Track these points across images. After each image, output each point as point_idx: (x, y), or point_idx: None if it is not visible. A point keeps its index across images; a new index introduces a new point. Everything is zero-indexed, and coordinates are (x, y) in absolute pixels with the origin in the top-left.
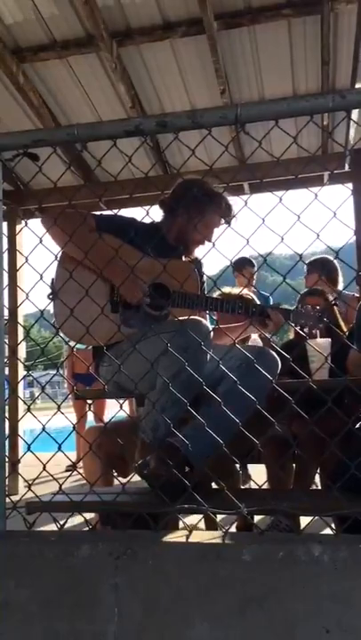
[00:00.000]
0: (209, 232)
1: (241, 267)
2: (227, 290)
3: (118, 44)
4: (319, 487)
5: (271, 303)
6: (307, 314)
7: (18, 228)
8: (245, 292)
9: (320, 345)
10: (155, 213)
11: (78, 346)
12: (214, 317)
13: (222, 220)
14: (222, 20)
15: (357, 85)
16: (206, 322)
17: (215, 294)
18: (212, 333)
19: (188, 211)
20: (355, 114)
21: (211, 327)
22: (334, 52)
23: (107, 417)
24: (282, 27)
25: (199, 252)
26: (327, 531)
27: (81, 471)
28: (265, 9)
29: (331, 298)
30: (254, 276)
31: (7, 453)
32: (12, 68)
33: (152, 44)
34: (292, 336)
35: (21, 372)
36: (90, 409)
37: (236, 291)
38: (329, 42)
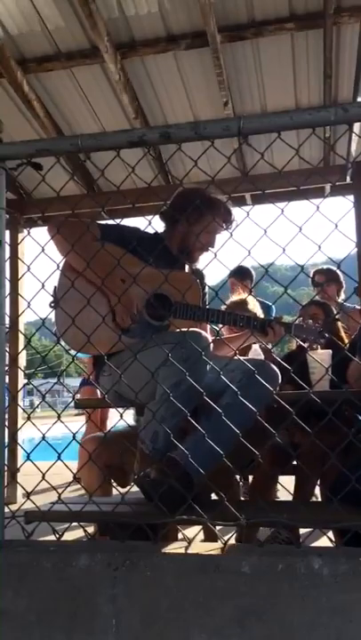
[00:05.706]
0: (210, 237)
1: (240, 277)
2: (237, 298)
3: (122, 55)
4: (319, 499)
5: (274, 312)
6: (308, 328)
7: (20, 236)
8: (250, 298)
9: (321, 356)
10: (157, 223)
11: (79, 355)
12: (217, 328)
13: (223, 225)
14: (226, 33)
15: (360, 98)
16: (207, 334)
17: (223, 307)
18: (212, 345)
19: (189, 218)
20: (357, 127)
21: (211, 338)
22: (337, 65)
23: (107, 427)
24: (285, 40)
25: (202, 260)
26: (327, 542)
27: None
28: (268, 22)
29: (333, 311)
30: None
31: (6, 462)
32: (16, 78)
33: (156, 56)
34: (293, 347)
35: (21, 380)
36: (90, 419)
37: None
38: (331, 55)
